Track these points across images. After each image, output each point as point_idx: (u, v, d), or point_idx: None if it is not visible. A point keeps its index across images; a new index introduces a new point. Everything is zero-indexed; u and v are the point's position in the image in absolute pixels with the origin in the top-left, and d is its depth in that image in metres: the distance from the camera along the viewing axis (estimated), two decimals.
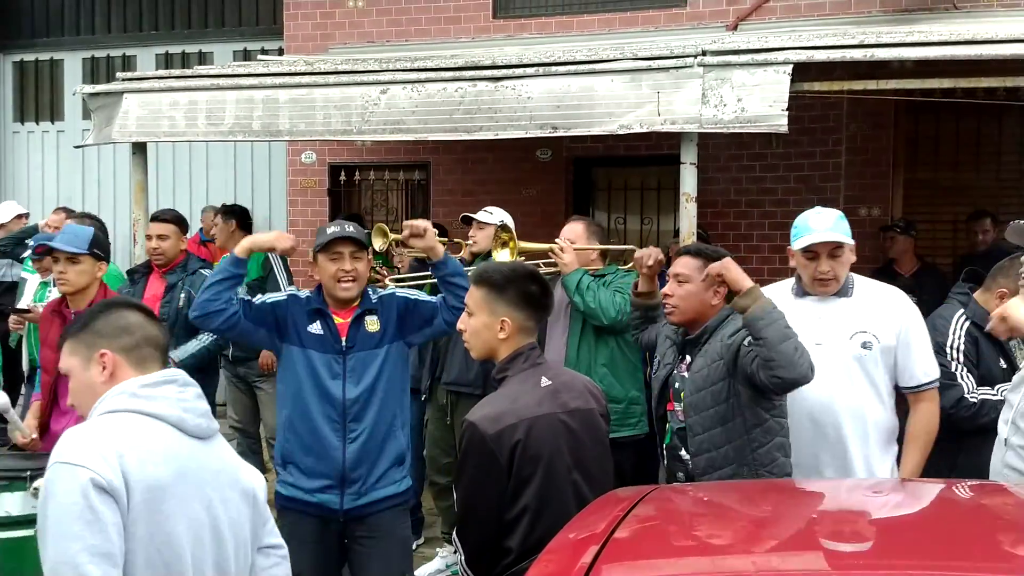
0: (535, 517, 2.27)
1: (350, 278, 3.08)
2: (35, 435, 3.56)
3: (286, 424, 3.10)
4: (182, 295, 4.48)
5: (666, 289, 2.97)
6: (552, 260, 4.11)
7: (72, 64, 8.56)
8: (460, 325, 2.51)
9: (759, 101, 4.20)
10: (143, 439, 1.83)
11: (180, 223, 4.80)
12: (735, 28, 6.54)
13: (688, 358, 2.88)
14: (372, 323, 3.13)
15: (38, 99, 8.72)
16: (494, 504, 2.28)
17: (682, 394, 2.85)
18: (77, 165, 8.44)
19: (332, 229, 3.14)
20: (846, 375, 2.95)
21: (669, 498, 1.97)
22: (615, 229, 7.39)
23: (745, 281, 2.67)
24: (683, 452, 2.86)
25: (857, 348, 2.97)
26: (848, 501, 1.88)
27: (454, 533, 2.41)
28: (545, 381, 2.40)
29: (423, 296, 3.34)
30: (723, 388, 2.72)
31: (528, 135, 4.55)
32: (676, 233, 4.92)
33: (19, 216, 6.67)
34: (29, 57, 8.65)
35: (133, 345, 1.95)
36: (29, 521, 2.84)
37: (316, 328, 3.08)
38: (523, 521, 2.28)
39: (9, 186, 8.74)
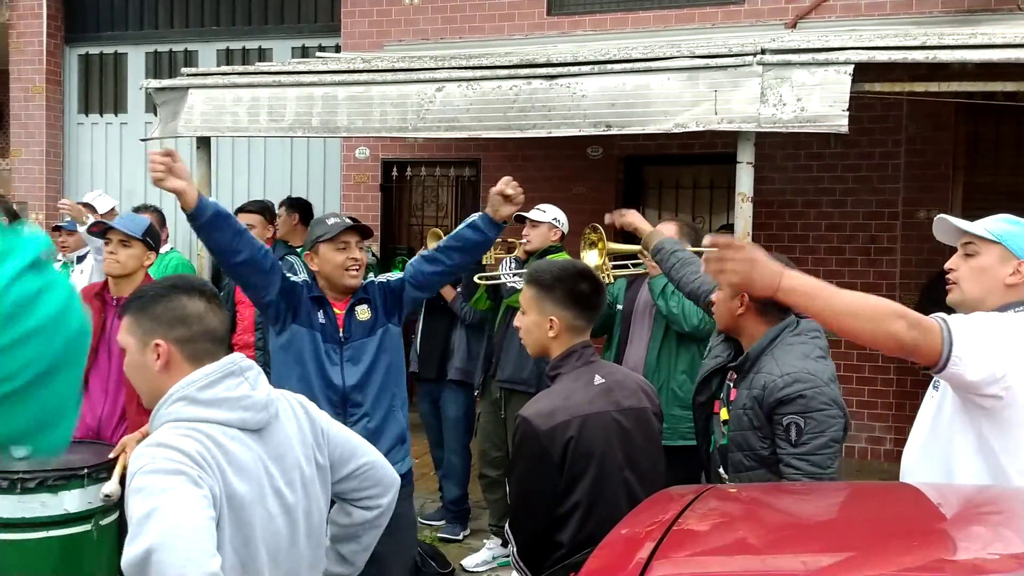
0: (586, 513, 2.30)
1: (357, 266, 3.19)
2: None
3: None
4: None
5: (714, 296, 2.94)
6: (641, 261, 4.12)
7: (136, 58, 8.76)
8: (516, 323, 2.55)
9: (819, 101, 4.17)
10: (213, 449, 1.81)
11: (265, 213, 5.21)
12: (794, 26, 6.48)
13: (735, 375, 2.76)
14: (363, 312, 3.24)
15: (102, 92, 8.93)
16: (546, 498, 2.31)
17: (724, 409, 2.77)
18: (140, 157, 8.62)
19: (334, 220, 3.23)
20: None
21: (725, 497, 1.97)
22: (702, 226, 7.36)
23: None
24: (722, 471, 2.76)
25: None
26: (914, 505, 1.86)
27: (507, 525, 2.45)
28: (598, 379, 2.43)
29: (392, 276, 3.42)
30: (764, 433, 2.62)
31: (582, 133, 4.56)
32: (729, 229, 4.89)
33: (113, 209, 6.85)
34: (94, 50, 8.87)
35: (189, 338, 1.90)
36: (85, 517, 3.00)
37: (320, 317, 3.17)
38: (574, 516, 2.31)
39: (73, 176, 8.98)
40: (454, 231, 3.44)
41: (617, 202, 7.28)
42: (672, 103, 4.47)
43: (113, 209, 6.78)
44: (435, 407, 5.29)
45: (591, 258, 4.02)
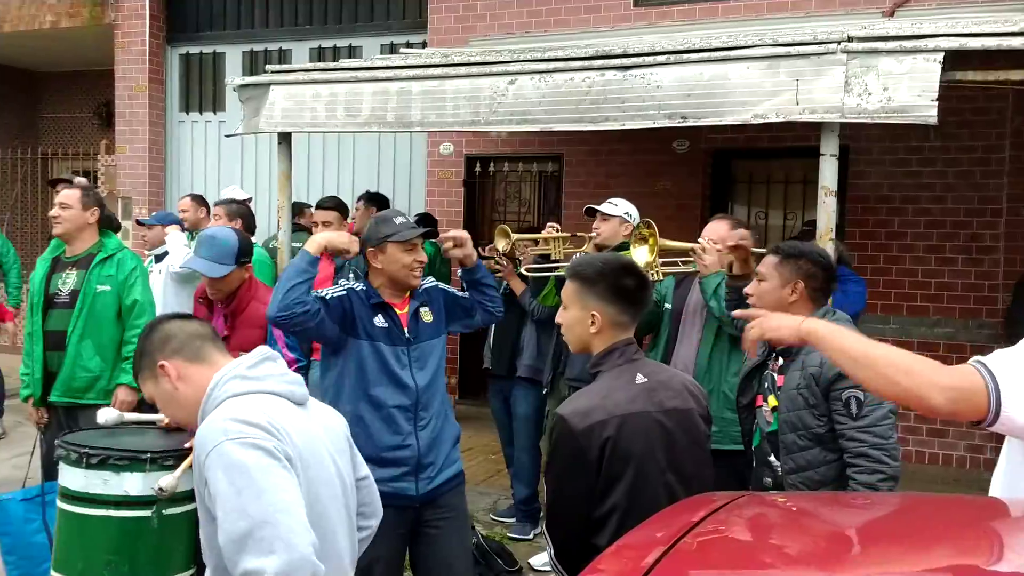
0: (624, 516, 2.21)
1: (421, 268, 3.17)
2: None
3: (353, 419, 3.01)
4: (351, 275, 4.74)
5: (747, 288, 2.94)
6: (692, 259, 3.99)
7: (233, 57, 9.03)
8: (558, 319, 2.47)
9: (907, 90, 3.93)
10: (277, 414, 1.93)
11: (342, 209, 5.38)
12: (891, 14, 6.18)
13: (780, 359, 2.78)
14: (427, 314, 3.21)
15: (202, 90, 9.25)
16: (582, 500, 2.23)
17: (771, 397, 2.77)
18: (237, 153, 8.91)
19: (402, 220, 3.18)
20: None
21: (753, 505, 1.86)
22: (756, 224, 7.14)
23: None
24: (773, 458, 2.79)
25: None
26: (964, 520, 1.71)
27: (543, 527, 2.38)
28: (641, 378, 2.32)
29: (459, 292, 3.41)
30: (820, 411, 2.66)
31: (656, 125, 4.43)
32: (812, 227, 4.67)
33: (248, 200, 7.07)
34: (194, 50, 9.20)
35: (180, 346, 2.08)
36: (146, 503, 2.98)
37: (380, 321, 3.10)
38: (612, 520, 2.22)
39: (175, 172, 9.34)
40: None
41: (704, 197, 7.10)
42: (751, 93, 4.30)
43: (247, 200, 6.97)
44: (506, 404, 5.25)
45: (641, 254, 3.90)
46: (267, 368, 2.05)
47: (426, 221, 6.53)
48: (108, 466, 3.07)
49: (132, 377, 4.19)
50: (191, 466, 2.67)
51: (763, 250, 4.60)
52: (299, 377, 2.11)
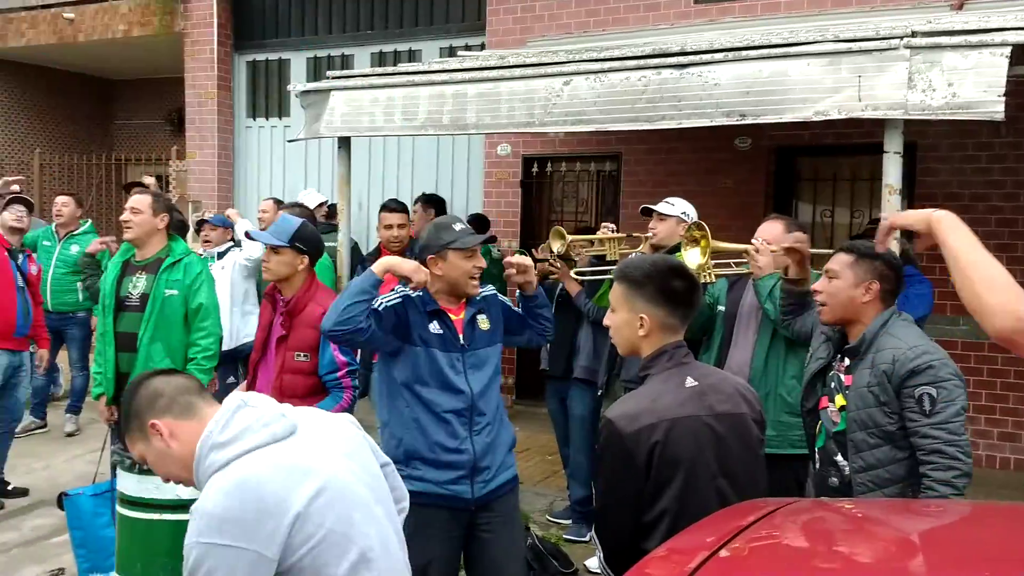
0: (674, 521, 2.18)
1: (479, 274, 3.20)
2: None
3: (410, 422, 3.11)
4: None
5: (816, 285, 2.93)
6: (746, 261, 3.94)
7: (297, 63, 9.20)
8: (606, 321, 2.46)
9: (972, 86, 3.80)
10: (266, 475, 1.93)
11: (407, 211, 5.50)
12: (960, 7, 5.99)
13: (846, 360, 2.75)
14: (483, 321, 3.23)
15: (267, 96, 9.44)
16: (631, 504, 2.21)
17: (838, 396, 2.74)
18: (301, 157, 9.08)
19: (461, 227, 3.20)
20: None
21: (805, 511, 1.83)
22: (821, 223, 7.00)
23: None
24: (840, 458, 2.78)
25: None
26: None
27: (592, 530, 2.37)
28: (691, 382, 2.30)
29: (515, 308, 3.42)
30: (891, 408, 2.66)
31: (713, 123, 4.37)
32: (874, 226, 4.56)
33: (321, 204, 7.24)
34: (260, 57, 9.39)
35: (169, 403, 2.07)
36: None
37: (436, 328, 3.12)
38: (662, 525, 2.20)
39: (241, 176, 9.56)
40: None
41: (767, 195, 6.98)
42: (812, 90, 4.21)
43: (322, 205, 7.13)
44: (563, 405, 5.24)
45: (693, 256, 3.84)
46: (240, 422, 2.01)
47: (480, 222, 6.57)
48: None
49: (199, 378, 4.34)
50: None
51: (828, 251, 4.53)
52: (272, 412, 2.06)
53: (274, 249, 3.78)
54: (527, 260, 3.28)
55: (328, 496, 1.96)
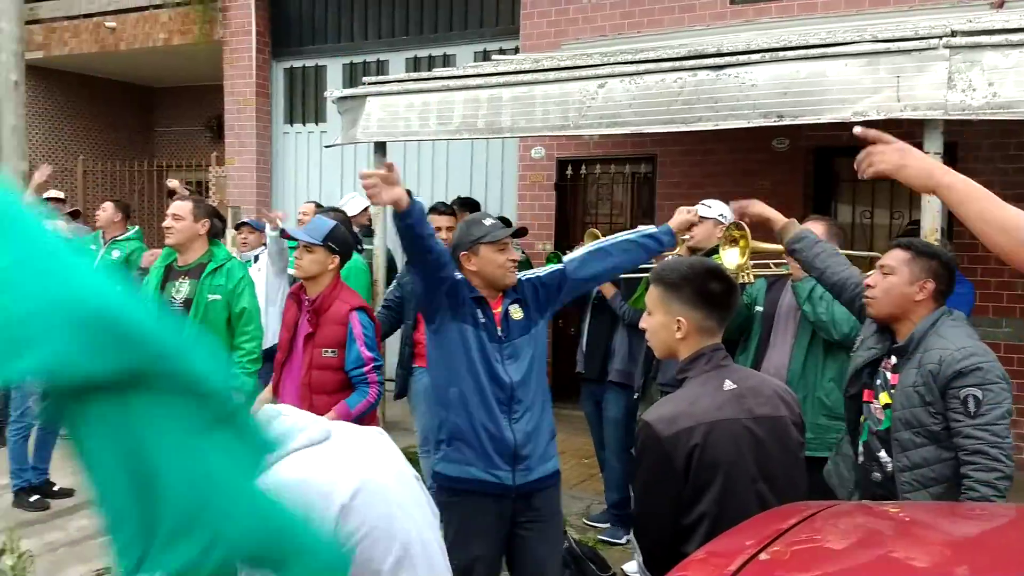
0: (714, 525, 2.17)
1: (514, 266, 3.22)
2: None
3: (456, 400, 3.14)
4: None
5: (869, 279, 2.89)
6: (785, 262, 3.91)
7: (334, 69, 9.29)
8: (642, 324, 2.46)
9: (1013, 85, 3.76)
10: (309, 472, 1.95)
11: (456, 214, 5.45)
12: (1000, 6, 5.90)
13: (893, 358, 2.73)
14: (516, 311, 3.24)
15: (304, 102, 9.55)
16: (669, 507, 2.21)
17: (883, 394, 2.73)
18: (337, 162, 9.17)
19: (491, 221, 3.23)
20: None
21: (846, 514, 1.81)
22: (861, 224, 6.92)
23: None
24: (883, 455, 2.78)
25: None
26: None
27: (631, 534, 2.38)
28: (729, 385, 2.29)
29: (545, 270, 3.40)
30: (937, 408, 2.64)
31: (750, 124, 4.37)
32: (916, 227, 4.50)
33: (365, 209, 7.33)
34: (297, 64, 9.51)
35: None
36: None
37: (480, 316, 3.17)
38: (701, 528, 2.19)
39: (279, 181, 9.67)
40: (631, 234, 3.47)
41: (805, 196, 6.92)
42: (850, 90, 4.19)
43: (366, 210, 7.21)
44: (598, 408, 5.24)
45: (731, 256, 3.81)
46: (276, 430, 2.03)
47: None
48: None
49: (242, 381, 4.41)
50: None
51: (868, 253, 4.49)
52: (305, 417, 2.10)
53: (307, 247, 3.86)
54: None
55: (369, 493, 1.99)
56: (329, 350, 3.79)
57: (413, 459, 5.82)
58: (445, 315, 3.16)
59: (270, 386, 4.09)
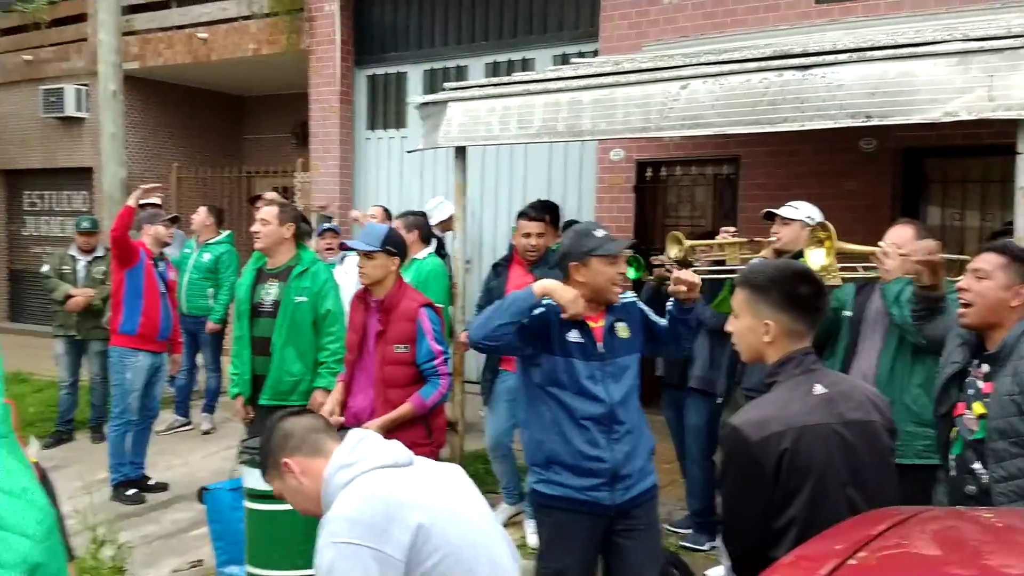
0: (803, 530, 2.15)
1: (621, 280, 3.19)
2: (336, 411, 4.05)
3: (552, 426, 3.12)
4: None
5: (961, 283, 2.80)
6: (873, 264, 3.83)
7: (415, 76, 9.44)
8: (728, 327, 2.44)
9: None
10: (388, 488, 2.09)
11: (545, 219, 5.22)
12: None
13: (985, 366, 2.65)
14: (623, 330, 3.21)
15: (386, 108, 9.72)
16: (758, 513, 2.19)
17: (976, 404, 2.65)
18: (417, 167, 9.30)
19: (603, 233, 3.18)
20: None
21: (938, 520, 1.78)
22: (951, 226, 6.71)
23: None
24: (977, 466, 2.71)
25: None
26: None
27: (719, 539, 2.36)
28: (819, 389, 2.26)
29: (656, 317, 3.37)
30: None
31: (837, 125, 4.28)
32: (1009, 229, 4.35)
33: (450, 217, 7.42)
34: (380, 71, 9.68)
35: (299, 443, 2.27)
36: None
37: (574, 336, 3.12)
38: (790, 534, 2.16)
39: (361, 187, 9.86)
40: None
41: (893, 198, 6.74)
42: (941, 90, 4.07)
43: (450, 218, 7.31)
44: (680, 414, 5.19)
45: (817, 258, 3.74)
46: (363, 448, 2.20)
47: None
48: None
49: (327, 381, 4.55)
50: None
51: (959, 256, 4.35)
52: (396, 444, 2.26)
53: (367, 255, 3.98)
54: (696, 279, 3.21)
55: (449, 516, 2.08)
56: (401, 346, 3.94)
57: (484, 461, 5.91)
58: (536, 352, 3.15)
59: (341, 384, 4.20)
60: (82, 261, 7.31)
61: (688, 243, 4.53)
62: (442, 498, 2.14)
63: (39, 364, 9.06)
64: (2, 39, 12.67)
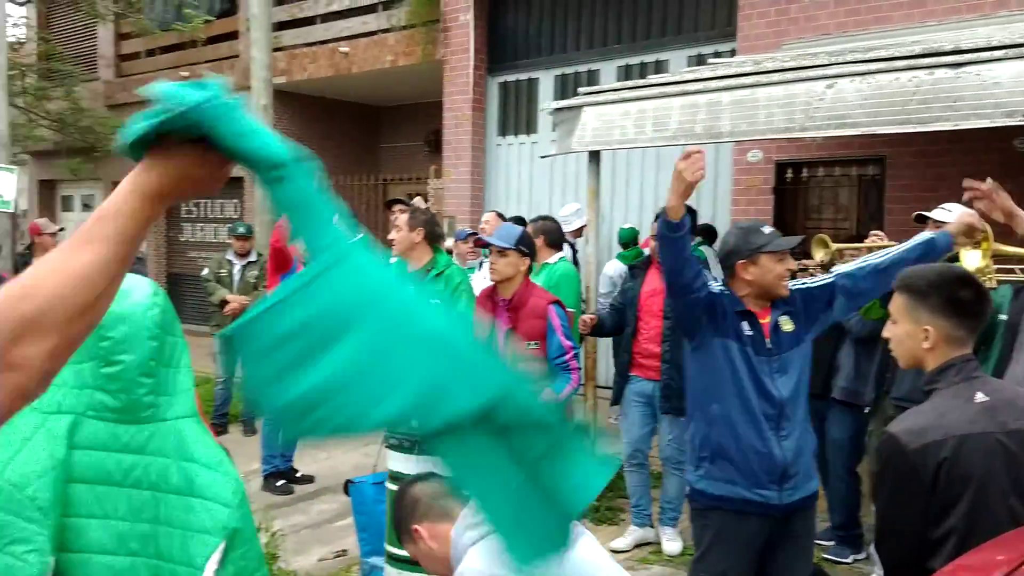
0: (962, 541, 2.07)
1: (788, 276, 3.14)
2: None
3: (720, 417, 3.07)
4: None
5: None
6: None
7: (546, 81, 9.53)
8: (886, 333, 2.37)
9: None
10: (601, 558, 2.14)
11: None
12: None
13: None
14: (787, 323, 3.13)
15: (517, 114, 9.86)
16: (914, 522, 2.12)
17: None
18: (546, 172, 9.39)
19: (769, 230, 3.14)
20: None
21: None
22: None
23: None
24: None
25: None
26: None
27: (872, 547, 2.30)
28: (981, 397, 2.17)
29: (815, 281, 3.25)
30: None
31: (993, 124, 4.08)
32: None
33: (583, 227, 7.49)
34: (511, 78, 9.83)
35: (427, 509, 2.31)
36: None
37: (746, 328, 3.08)
38: (948, 544, 2.09)
39: (492, 192, 10.03)
40: (905, 247, 3.25)
41: None
42: None
43: (582, 227, 7.39)
44: (821, 425, 5.02)
45: (972, 259, 3.56)
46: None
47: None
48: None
49: None
50: None
51: None
52: None
53: (501, 251, 4.10)
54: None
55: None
56: (532, 343, 4.05)
57: (619, 472, 5.90)
58: (707, 332, 3.10)
59: None
60: (237, 265, 7.76)
61: (835, 246, 4.40)
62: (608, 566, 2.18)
63: (196, 361, 9.40)
64: (162, 57, 13.57)
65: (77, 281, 0.96)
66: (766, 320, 3.12)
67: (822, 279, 3.26)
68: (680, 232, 2.97)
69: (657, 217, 3.29)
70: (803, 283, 3.26)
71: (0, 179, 7.02)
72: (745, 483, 3.05)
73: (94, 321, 1.00)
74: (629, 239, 7.19)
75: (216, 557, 1.55)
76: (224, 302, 7.54)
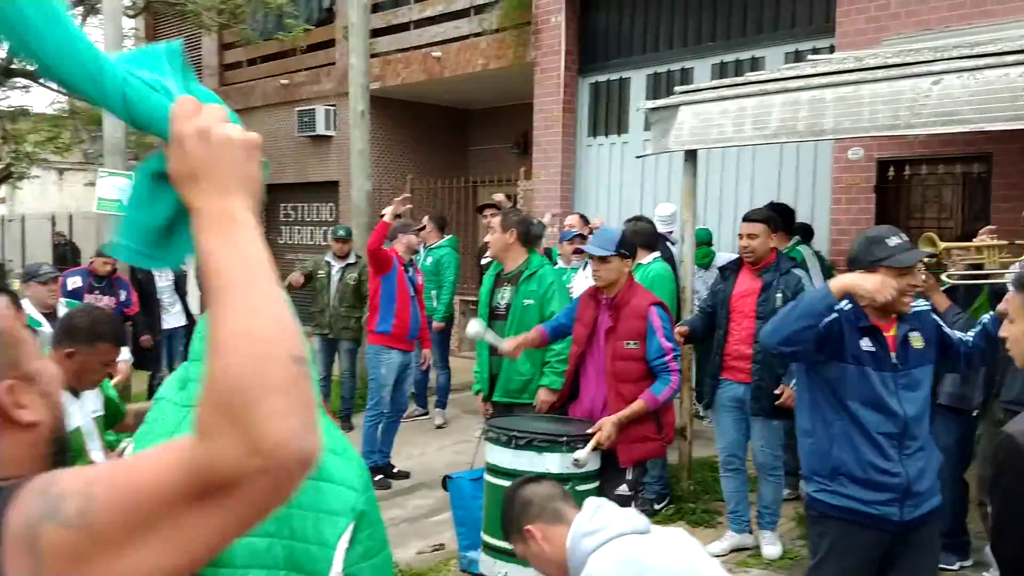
0: None
1: (914, 292, 3.05)
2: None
3: (840, 437, 3.01)
4: (778, 295, 4.71)
5: None
6: None
7: (638, 81, 9.50)
8: (1002, 332, 2.32)
9: None
10: (638, 553, 2.17)
11: (769, 222, 4.98)
12: None
13: None
14: (917, 339, 3.05)
15: (608, 115, 9.85)
16: None
17: None
18: (637, 172, 9.36)
19: (896, 241, 3.00)
20: None
21: None
22: None
23: None
24: None
25: None
26: None
27: (987, 547, 2.26)
28: None
29: (952, 333, 3.18)
30: None
31: None
32: None
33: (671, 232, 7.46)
34: (602, 78, 9.83)
35: (540, 511, 2.35)
36: (564, 479, 3.46)
37: (867, 344, 3.00)
38: None
39: (581, 193, 10.05)
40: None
41: None
42: None
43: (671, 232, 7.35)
44: None
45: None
46: (604, 516, 2.28)
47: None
48: (533, 447, 3.76)
49: (551, 380, 4.74)
50: (597, 445, 3.62)
51: None
52: (633, 511, 2.36)
53: (602, 259, 4.10)
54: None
55: None
56: (631, 342, 4.05)
57: (711, 469, 5.85)
58: (820, 359, 3.05)
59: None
60: (336, 266, 7.99)
61: (943, 245, 4.27)
62: (684, 563, 2.20)
63: None
64: (263, 65, 14.04)
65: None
66: (891, 333, 3.03)
67: (956, 335, 3.18)
68: (827, 316, 2.96)
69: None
70: (942, 324, 3.20)
71: (116, 183, 7.40)
72: (866, 499, 2.98)
73: None
74: (702, 240, 7.15)
75: (346, 537, 1.63)
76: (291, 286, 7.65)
